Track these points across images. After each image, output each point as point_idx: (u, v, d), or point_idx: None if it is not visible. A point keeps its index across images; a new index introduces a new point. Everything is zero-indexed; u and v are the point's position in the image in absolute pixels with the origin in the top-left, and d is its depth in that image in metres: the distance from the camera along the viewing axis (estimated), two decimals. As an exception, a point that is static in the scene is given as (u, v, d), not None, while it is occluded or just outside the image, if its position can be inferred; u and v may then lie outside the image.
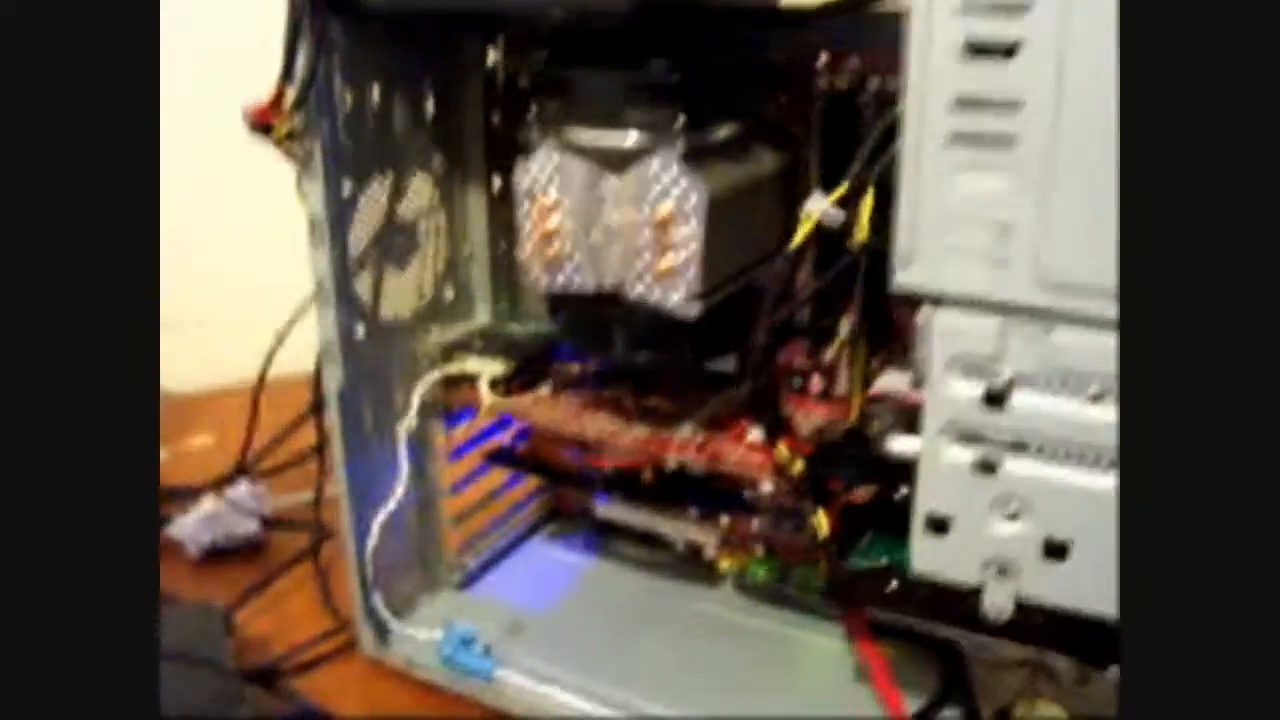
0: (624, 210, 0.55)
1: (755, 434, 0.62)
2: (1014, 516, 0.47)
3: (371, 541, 0.64)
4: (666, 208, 0.53)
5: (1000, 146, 0.43)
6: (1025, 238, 0.43)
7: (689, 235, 0.53)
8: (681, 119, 0.52)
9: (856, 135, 0.59)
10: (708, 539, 0.72)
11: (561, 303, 0.60)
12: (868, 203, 0.48)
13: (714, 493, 0.68)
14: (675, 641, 0.69)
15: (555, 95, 0.56)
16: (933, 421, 0.47)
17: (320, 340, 0.61)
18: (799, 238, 0.50)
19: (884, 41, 0.48)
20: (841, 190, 0.49)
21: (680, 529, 0.73)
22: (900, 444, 0.50)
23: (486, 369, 0.65)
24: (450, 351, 0.67)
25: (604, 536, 0.77)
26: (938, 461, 0.48)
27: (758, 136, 0.59)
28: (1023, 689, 0.59)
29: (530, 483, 0.78)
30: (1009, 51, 0.42)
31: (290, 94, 0.55)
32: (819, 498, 0.55)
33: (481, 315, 0.71)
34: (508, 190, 0.68)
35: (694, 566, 0.73)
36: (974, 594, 0.49)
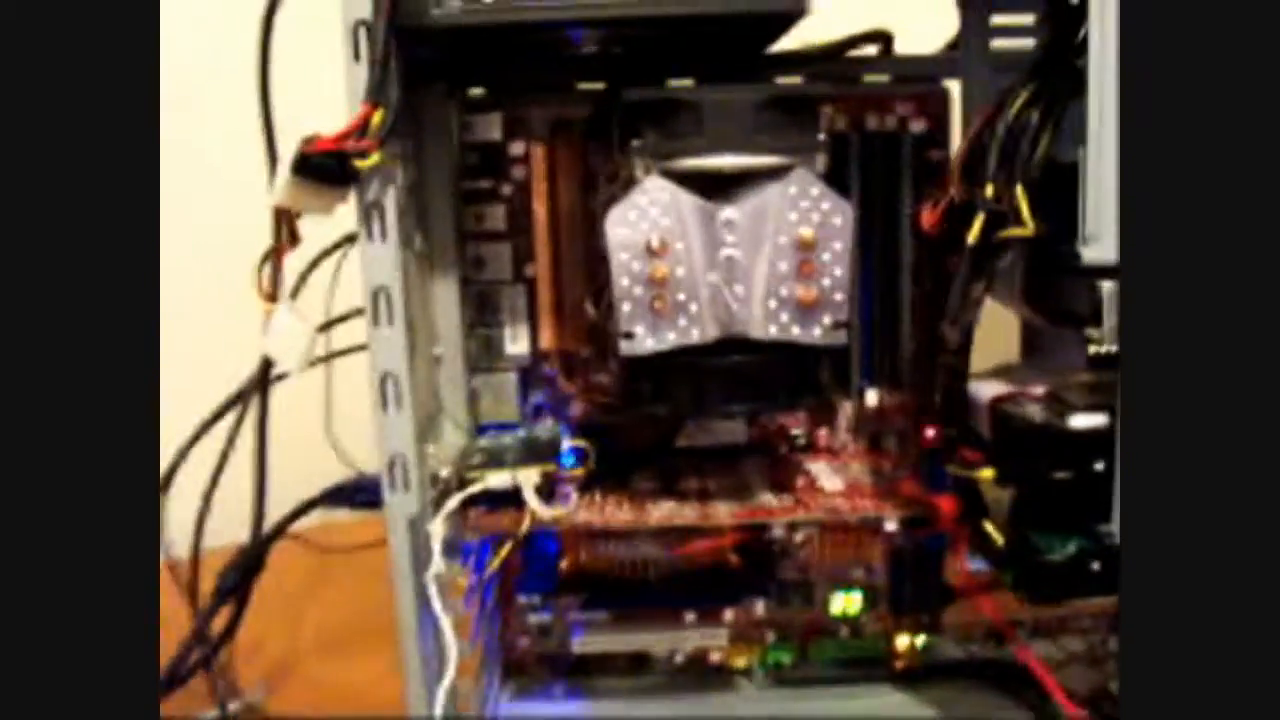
0: (752, 241, 0.50)
1: (826, 482, 0.59)
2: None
3: (439, 729, 0.48)
4: (808, 231, 0.50)
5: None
6: (1193, 201, 0.49)
7: (834, 258, 0.50)
8: (822, 135, 0.50)
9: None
10: (715, 640, 0.65)
11: (647, 365, 0.51)
12: (1022, 195, 0.50)
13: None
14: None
15: (655, 122, 0.49)
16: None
17: (385, 454, 0.45)
18: (975, 232, 0.50)
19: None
20: (992, 186, 0.50)
21: (680, 638, 0.65)
22: (1083, 420, 0.51)
23: (524, 478, 0.53)
24: (460, 469, 0.53)
25: (578, 679, 0.65)
26: (1138, 426, 0.50)
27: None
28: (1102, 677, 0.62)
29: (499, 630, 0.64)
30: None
31: (381, 117, 0.41)
32: (974, 511, 0.54)
33: (449, 433, 0.57)
34: (467, 277, 0.58)
35: (699, 675, 0.65)
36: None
